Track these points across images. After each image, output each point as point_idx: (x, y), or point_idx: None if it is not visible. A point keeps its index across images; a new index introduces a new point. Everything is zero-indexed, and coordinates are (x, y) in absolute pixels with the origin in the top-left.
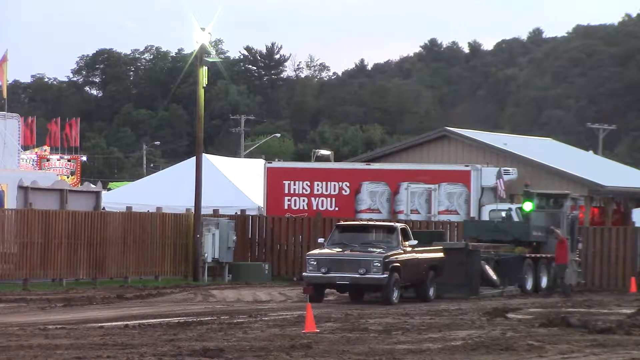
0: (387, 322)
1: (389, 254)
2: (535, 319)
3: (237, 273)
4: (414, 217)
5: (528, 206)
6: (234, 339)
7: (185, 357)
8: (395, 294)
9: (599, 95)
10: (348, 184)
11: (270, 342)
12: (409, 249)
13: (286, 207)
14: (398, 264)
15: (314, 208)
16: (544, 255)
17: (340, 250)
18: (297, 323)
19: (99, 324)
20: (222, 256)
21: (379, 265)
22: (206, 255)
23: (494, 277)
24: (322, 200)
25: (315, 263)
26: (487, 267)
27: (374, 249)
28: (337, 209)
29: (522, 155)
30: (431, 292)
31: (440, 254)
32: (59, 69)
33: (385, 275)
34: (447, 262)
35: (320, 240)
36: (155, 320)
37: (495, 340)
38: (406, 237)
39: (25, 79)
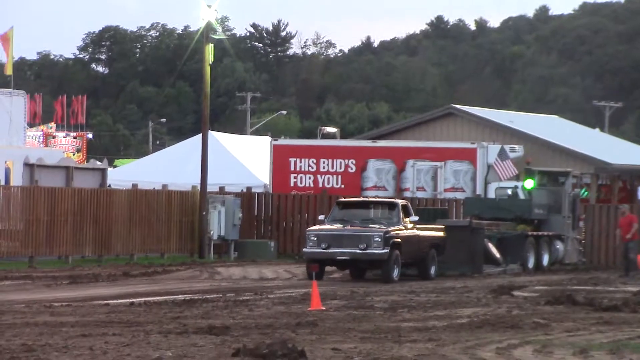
0: (392, 299)
1: (390, 229)
2: (540, 296)
3: (242, 250)
4: (420, 194)
5: (529, 184)
6: (240, 317)
7: (191, 334)
8: (396, 271)
9: (605, 73)
10: (354, 162)
11: (276, 319)
12: (410, 225)
13: (292, 184)
14: (399, 240)
15: (320, 185)
16: (545, 234)
17: (341, 226)
18: (303, 301)
19: (105, 302)
20: (228, 234)
21: (380, 240)
22: (212, 232)
23: (497, 255)
24: (328, 178)
25: (315, 239)
26: (490, 245)
27: (375, 225)
28: (343, 186)
29: (528, 133)
30: (432, 270)
31: (442, 232)
32: (65, 45)
33: (386, 251)
34: (451, 240)
35: (321, 217)
36: (160, 297)
37: (501, 317)
38: (407, 214)
39: (31, 56)
